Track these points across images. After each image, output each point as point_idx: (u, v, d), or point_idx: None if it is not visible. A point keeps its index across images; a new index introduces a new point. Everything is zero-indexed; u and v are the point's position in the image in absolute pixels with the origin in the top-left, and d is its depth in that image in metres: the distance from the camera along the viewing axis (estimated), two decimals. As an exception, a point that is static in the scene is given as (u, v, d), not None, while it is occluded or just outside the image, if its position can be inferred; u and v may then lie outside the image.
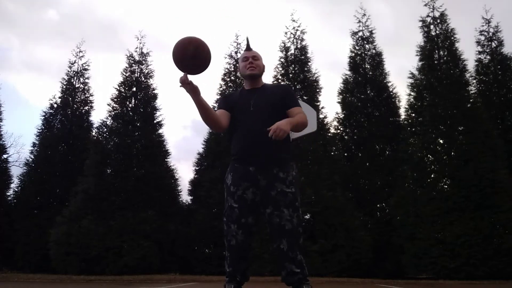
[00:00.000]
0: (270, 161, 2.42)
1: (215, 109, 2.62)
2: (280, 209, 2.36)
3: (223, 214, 2.51)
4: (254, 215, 2.45)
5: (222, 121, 2.48)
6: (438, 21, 11.89)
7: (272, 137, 2.21)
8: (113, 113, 12.28)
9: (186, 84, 2.16)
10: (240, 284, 2.43)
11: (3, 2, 38.31)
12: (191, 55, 2.13)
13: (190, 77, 2.16)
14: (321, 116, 11.85)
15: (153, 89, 12.88)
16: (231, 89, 12.65)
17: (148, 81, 12.93)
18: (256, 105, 2.49)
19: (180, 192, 12.47)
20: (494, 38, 13.30)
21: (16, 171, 19.11)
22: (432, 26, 11.87)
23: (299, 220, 2.41)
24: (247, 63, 2.59)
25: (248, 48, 2.69)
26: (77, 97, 14.34)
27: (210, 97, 15.19)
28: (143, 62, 13.10)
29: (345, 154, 12.63)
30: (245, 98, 2.56)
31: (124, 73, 12.81)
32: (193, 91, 2.19)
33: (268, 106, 2.48)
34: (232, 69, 13.14)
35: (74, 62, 14.64)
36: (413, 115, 11.33)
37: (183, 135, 44.81)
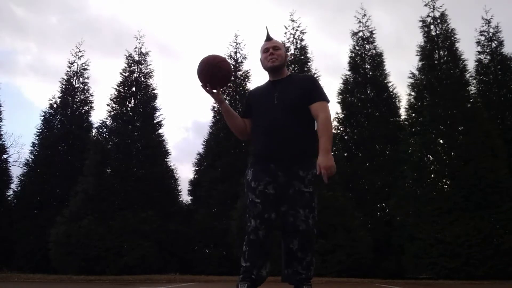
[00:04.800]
0: (292, 158, 2.33)
1: (241, 113, 2.63)
2: (296, 209, 2.30)
3: (247, 212, 2.43)
4: (277, 211, 2.36)
5: (247, 131, 2.53)
6: (438, 21, 11.88)
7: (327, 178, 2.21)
8: (112, 113, 12.27)
9: (212, 93, 2.36)
10: (254, 284, 2.29)
11: (13, 8, 38.48)
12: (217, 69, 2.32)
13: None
14: (321, 116, 11.82)
15: (153, 89, 12.90)
16: (230, 90, 12.64)
17: (148, 81, 12.94)
18: (280, 98, 2.39)
19: (180, 192, 12.48)
20: (494, 38, 13.28)
21: (16, 171, 19.07)
22: (432, 26, 11.87)
23: (315, 221, 2.35)
24: (268, 55, 2.48)
25: (268, 38, 2.56)
26: (76, 97, 14.32)
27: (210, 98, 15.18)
28: (143, 62, 13.10)
29: (345, 154, 12.61)
30: (269, 91, 2.47)
31: (124, 73, 12.81)
32: (218, 100, 2.41)
33: (291, 100, 2.38)
34: (232, 69, 13.10)
35: (73, 62, 14.65)
36: (413, 115, 11.32)
37: (183, 136, 44.85)
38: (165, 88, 48.74)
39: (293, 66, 12.62)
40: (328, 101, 2.44)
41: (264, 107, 2.42)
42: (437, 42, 11.67)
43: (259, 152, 2.43)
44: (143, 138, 12.04)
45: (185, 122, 49.69)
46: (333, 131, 12.79)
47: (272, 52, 2.47)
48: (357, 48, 13.63)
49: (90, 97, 14.46)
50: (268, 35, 2.56)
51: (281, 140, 2.31)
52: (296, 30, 13.11)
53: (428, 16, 12.02)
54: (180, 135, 44.58)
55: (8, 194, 13.68)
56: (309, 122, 2.42)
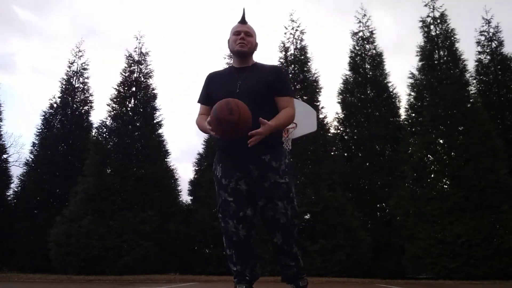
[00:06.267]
0: (259, 148, 2.19)
1: (199, 99, 2.46)
2: (274, 202, 2.23)
3: (217, 210, 2.35)
4: (252, 206, 2.29)
5: None
6: (438, 21, 11.89)
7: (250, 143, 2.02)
8: (112, 113, 12.27)
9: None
10: (250, 284, 2.28)
11: (15, 9, 38.48)
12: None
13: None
14: (321, 116, 11.85)
15: (153, 89, 12.88)
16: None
17: (148, 81, 12.93)
18: (243, 88, 2.25)
19: (180, 192, 12.45)
20: (494, 38, 13.30)
21: (16, 171, 19.10)
22: (432, 26, 11.88)
23: (294, 211, 2.28)
24: (238, 38, 2.34)
25: (242, 21, 2.41)
26: (76, 97, 14.32)
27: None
28: (142, 62, 13.09)
29: (345, 154, 12.62)
30: (232, 78, 2.32)
31: (124, 73, 12.80)
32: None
33: (255, 91, 2.24)
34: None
35: (73, 62, 14.64)
36: (413, 115, 11.33)
37: (184, 136, 44.88)
38: (164, 86, 48.66)
39: (293, 66, 12.63)
40: (294, 97, 2.35)
41: (226, 96, 2.20)
42: (437, 42, 11.68)
43: (225, 146, 2.32)
44: (143, 138, 12.03)
45: (185, 122, 49.70)
46: (333, 131, 12.66)
47: (243, 36, 2.35)
48: (357, 48, 13.65)
49: (90, 97, 14.47)
50: (243, 18, 2.41)
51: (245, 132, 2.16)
52: (296, 30, 13.12)
53: (428, 16, 12.04)
54: (180, 135, 44.61)
55: (8, 194, 13.69)
56: (272, 112, 2.28)
